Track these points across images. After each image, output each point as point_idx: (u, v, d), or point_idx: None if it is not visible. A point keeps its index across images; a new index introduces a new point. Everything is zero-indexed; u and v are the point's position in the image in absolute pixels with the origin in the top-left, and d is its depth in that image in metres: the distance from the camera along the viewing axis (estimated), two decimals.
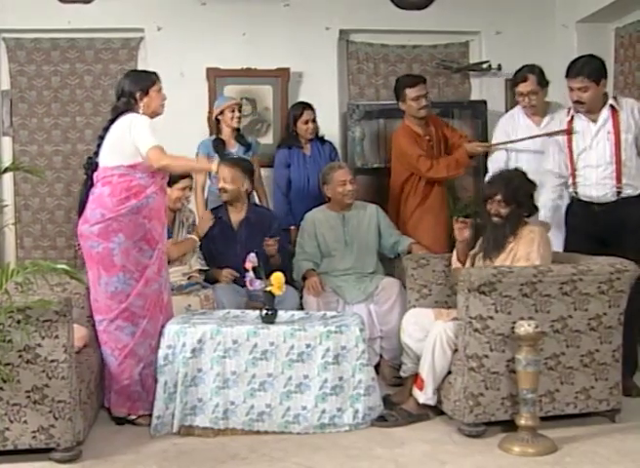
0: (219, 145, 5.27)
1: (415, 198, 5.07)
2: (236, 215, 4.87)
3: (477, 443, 3.54)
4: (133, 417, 3.84)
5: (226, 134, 5.34)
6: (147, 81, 3.89)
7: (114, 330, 3.78)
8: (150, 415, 3.75)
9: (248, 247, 4.54)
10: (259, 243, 4.72)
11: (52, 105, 5.96)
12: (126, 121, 3.77)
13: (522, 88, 4.78)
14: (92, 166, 3.87)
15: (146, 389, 3.83)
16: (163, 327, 3.82)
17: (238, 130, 5.38)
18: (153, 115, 3.90)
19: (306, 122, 5.35)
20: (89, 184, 3.88)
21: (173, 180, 4.42)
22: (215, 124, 5.45)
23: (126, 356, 3.78)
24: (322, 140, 5.50)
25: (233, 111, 5.29)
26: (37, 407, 3.29)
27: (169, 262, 4.29)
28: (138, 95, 3.85)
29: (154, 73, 3.98)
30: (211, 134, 5.67)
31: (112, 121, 3.85)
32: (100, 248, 3.72)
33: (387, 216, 5.07)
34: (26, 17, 5.81)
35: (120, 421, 3.85)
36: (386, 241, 4.95)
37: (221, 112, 5.32)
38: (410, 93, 5.00)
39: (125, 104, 3.84)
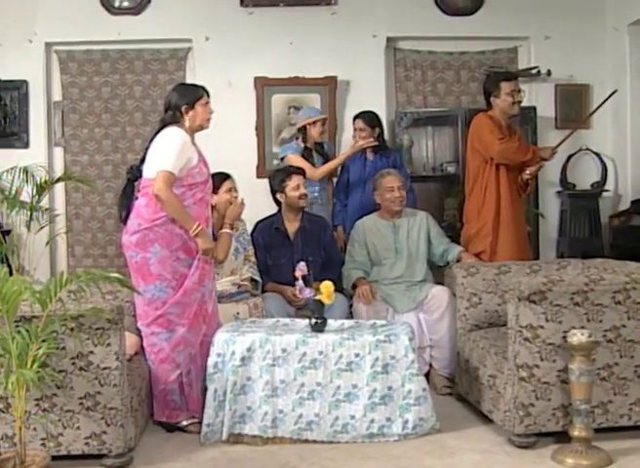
0: (309, 155, 5.38)
1: (490, 204, 4.90)
2: (292, 225, 4.90)
3: (529, 454, 3.50)
4: (184, 424, 3.87)
5: (311, 143, 5.44)
6: (194, 95, 3.91)
7: (150, 334, 3.83)
8: (199, 423, 3.79)
9: (304, 256, 4.60)
10: (314, 251, 4.79)
11: (102, 116, 6.10)
12: (160, 137, 3.83)
13: None
14: (134, 175, 3.95)
15: (186, 397, 3.88)
16: (206, 336, 3.85)
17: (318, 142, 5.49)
18: (199, 129, 3.94)
19: (355, 130, 5.45)
20: (129, 192, 3.96)
21: (216, 186, 4.46)
22: (301, 132, 5.46)
23: (162, 361, 3.82)
24: (387, 151, 5.53)
25: (323, 124, 5.42)
26: (90, 413, 3.36)
27: (220, 263, 4.26)
28: (183, 108, 3.86)
29: (202, 87, 3.99)
30: (258, 143, 5.73)
31: (158, 133, 3.90)
32: (139, 257, 3.78)
33: (437, 224, 5.06)
34: (77, 29, 5.96)
35: (170, 428, 3.90)
36: (436, 249, 4.94)
37: (313, 122, 5.40)
38: (505, 87, 4.89)
39: (171, 117, 3.87)
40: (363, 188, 5.33)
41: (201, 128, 3.94)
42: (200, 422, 3.79)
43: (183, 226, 3.76)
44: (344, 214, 5.42)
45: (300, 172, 4.91)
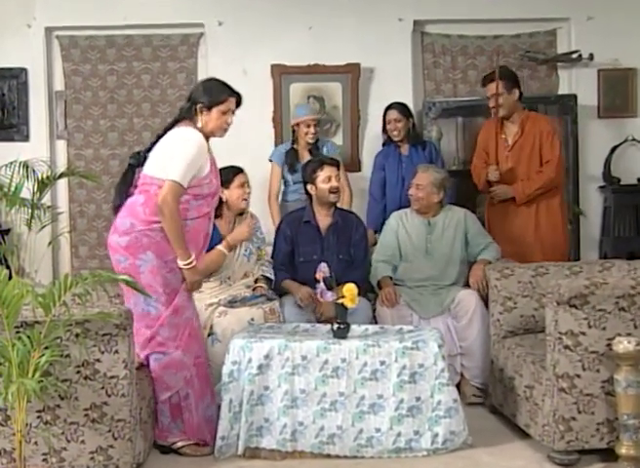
0: (292, 156, 5.43)
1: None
2: (324, 220, 4.89)
3: None
4: (179, 445, 3.78)
5: (302, 144, 5.47)
6: (216, 96, 3.74)
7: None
8: (197, 444, 3.77)
9: (335, 252, 4.68)
10: (344, 249, 4.81)
11: (108, 106, 6.12)
12: (176, 136, 3.71)
13: None
14: (138, 160, 3.82)
15: (184, 423, 3.77)
16: (198, 358, 3.81)
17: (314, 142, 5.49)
18: (210, 135, 3.79)
19: (389, 122, 5.46)
20: (129, 179, 3.86)
21: (227, 180, 4.43)
22: (292, 132, 5.55)
23: (153, 379, 3.76)
24: (423, 143, 5.56)
25: (309, 126, 5.40)
26: (95, 425, 3.36)
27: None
28: (199, 106, 3.73)
29: (233, 91, 3.80)
30: (276, 136, 5.75)
31: (173, 124, 3.80)
32: (127, 263, 3.64)
33: (477, 222, 5.02)
34: (80, 13, 5.99)
35: (164, 450, 3.82)
36: (473, 249, 4.88)
37: (297, 124, 5.43)
38: (485, 91, 5.08)
39: (186, 111, 3.78)
40: (402, 185, 5.33)
41: (212, 135, 3.80)
42: (198, 444, 3.77)
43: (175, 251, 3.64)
44: (379, 215, 5.41)
45: (335, 163, 4.88)
